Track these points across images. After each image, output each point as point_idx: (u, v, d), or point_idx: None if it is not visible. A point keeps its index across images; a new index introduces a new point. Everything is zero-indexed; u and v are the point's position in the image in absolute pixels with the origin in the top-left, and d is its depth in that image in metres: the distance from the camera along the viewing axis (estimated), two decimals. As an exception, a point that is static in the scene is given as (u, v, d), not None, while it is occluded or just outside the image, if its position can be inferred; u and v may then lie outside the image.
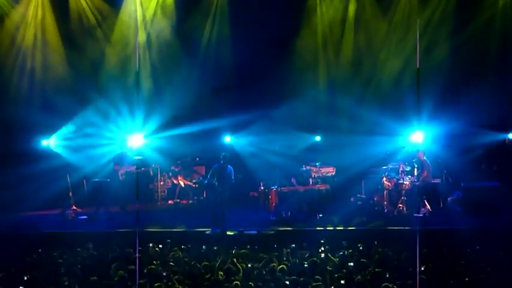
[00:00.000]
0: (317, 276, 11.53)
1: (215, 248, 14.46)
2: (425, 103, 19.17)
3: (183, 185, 20.86)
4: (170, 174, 21.04)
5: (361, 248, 14.18)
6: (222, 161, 17.51)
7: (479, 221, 17.08)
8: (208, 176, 17.84)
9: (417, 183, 18.06)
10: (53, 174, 19.54)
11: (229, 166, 17.50)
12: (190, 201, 20.78)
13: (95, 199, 19.00)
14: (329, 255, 13.45)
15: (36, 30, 21.07)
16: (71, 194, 19.07)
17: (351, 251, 13.82)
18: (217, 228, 16.90)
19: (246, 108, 20.71)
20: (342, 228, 16.89)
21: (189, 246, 14.63)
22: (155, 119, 20.73)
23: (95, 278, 11.63)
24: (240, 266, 12.33)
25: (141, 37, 21.25)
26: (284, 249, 13.80)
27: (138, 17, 21.01)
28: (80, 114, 20.88)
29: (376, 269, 11.98)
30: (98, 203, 18.85)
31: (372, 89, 21.47)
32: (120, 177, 19.00)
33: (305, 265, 12.59)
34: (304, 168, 19.55)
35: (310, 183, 19.08)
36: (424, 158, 18.30)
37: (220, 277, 11.71)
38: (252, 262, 12.91)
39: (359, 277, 11.61)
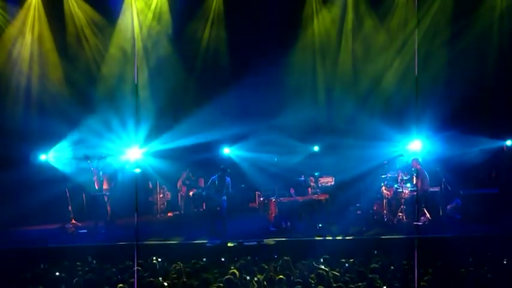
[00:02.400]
0: (319, 287, 11.54)
1: (215, 259, 14.46)
2: (424, 111, 19.20)
3: (190, 195, 20.82)
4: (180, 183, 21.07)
5: (361, 257, 14.17)
6: (219, 173, 17.68)
7: (479, 228, 17.09)
8: (206, 188, 18.00)
9: (414, 193, 18.05)
10: (51, 189, 19.48)
11: (227, 178, 17.67)
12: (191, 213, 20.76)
13: (94, 213, 18.98)
14: (329, 265, 13.43)
15: (33, 44, 21.08)
16: (70, 208, 19.03)
17: (351, 260, 13.80)
18: (217, 239, 16.91)
19: (244, 119, 20.72)
20: (341, 237, 16.89)
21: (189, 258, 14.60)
22: (153, 131, 20.73)
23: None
24: (238, 277, 12.32)
25: (138, 48, 21.28)
26: (284, 259, 13.77)
27: (135, 29, 21.03)
28: (78, 128, 20.84)
29: (376, 278, 11.97)
30: (97, 216, 18.84)
31: (370, 98, 21.48)
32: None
33: (305, 275, 12.57)
34: (302, 179, 19.57)
35: (309, 193, 19.11)
36: (419, 166, 18.27)
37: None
38: (253, 273, 12.88)
39: (359, 285, 11.60)
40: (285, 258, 13.60)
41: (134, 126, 20.20)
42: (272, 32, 20.75)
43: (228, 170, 17.97)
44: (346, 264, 13.60)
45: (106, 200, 19.03)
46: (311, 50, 21.94)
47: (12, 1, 20.97)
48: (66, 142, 20.87)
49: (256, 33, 20.63)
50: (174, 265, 13.52)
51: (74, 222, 18.88)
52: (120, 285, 11.81)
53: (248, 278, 12.39)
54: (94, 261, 14.55)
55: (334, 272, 12.76)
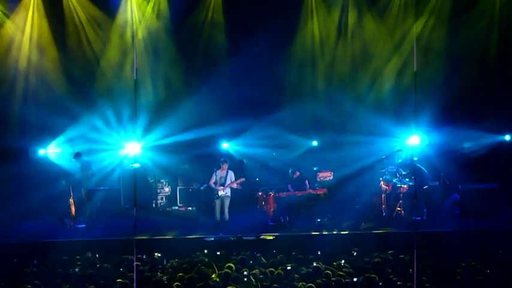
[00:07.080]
0: (317, 281, 11.56)
1: (214, 254, 14.48)
2: (423, 106, 19.20)
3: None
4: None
5: (359, 252, 14.18)
6: (221, 166, 17.66)
7: (477, 223, 17.11)
8: (209, 181, 17.95)
9: (412, 188, 18.07)
10: (50, 183, 19.47)
11: (229, 171, 17.64)
12: (189, 208, 20.78)
13: (93, 207, 18.96)
14: (326, 260, 13.44)
15: (32, 38, 21.03)
16: (69, 202, 19.02)
17: (349, 255, 13.82)
18: (217, 234, 16.90)
19: (243, 114, 20.69)
20: (340, 232, 16.90)
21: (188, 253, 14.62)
22: (152, 125, 20.72)
23: (93, 286, 11.64)
24: (232, 271, 12.34)
25: (137, 41, 21.28)
26: (283, 254, 13.80)
27: (134, 22, 20.99)
28: (76, 123, 20.81)
29: (375, 273, 11.98)
30: (96, 211, 18.82)
31: (369, 93, 21.47)
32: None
33: (304, 270, 12.59)
34: (300, 173, 19.50)
35: (307, 187, 19.07)
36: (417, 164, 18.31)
37: (218, 283, 11.71)
38: (251, 267, 12.90)
39: (357, 280, 11.62)
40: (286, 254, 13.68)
41: (133, 121, 20.18)
42: (271, 27, 20.70)
43: (228, 163, 17.93)
44: (343, 260, 13.60)
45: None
46: (310, 44, 21.91)
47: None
48: (65, 137, 20.84)
49: (256, 28, 20.60)
50: (171, 261, 13.54)
51: (73, 216, 18.87)
52: (119, 280, 11.83)
53: (245, 273, 12.39)
54: (92, 256, 14.55)
55: (331, 267, 12.78)
